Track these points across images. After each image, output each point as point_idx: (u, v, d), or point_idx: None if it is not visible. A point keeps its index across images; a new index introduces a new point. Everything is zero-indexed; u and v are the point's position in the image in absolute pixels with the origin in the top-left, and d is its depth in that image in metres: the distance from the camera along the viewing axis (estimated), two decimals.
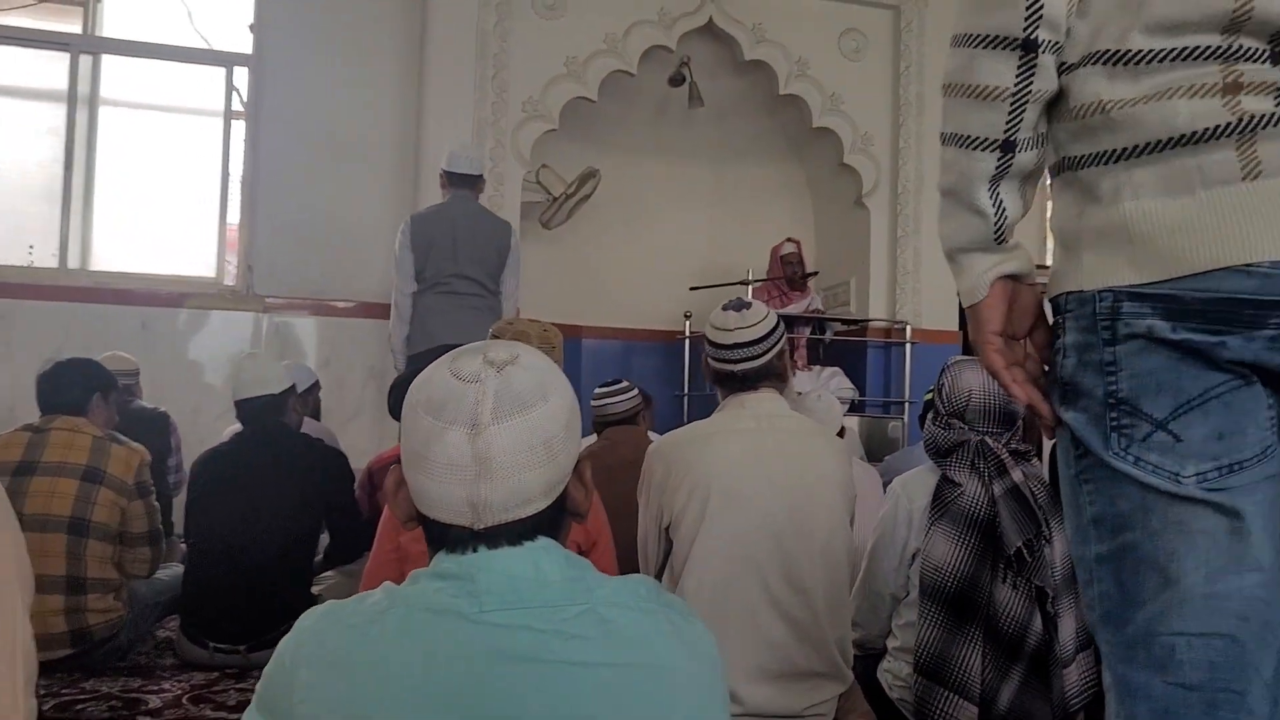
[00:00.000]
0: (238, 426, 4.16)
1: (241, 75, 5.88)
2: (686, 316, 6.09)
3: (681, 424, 3.14)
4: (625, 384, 3.80)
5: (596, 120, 6.23)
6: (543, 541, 1.06)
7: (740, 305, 2.34)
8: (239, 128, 5.87)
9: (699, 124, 6.62)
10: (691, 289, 6.08)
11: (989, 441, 2.44)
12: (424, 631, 0.99)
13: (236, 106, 5.91)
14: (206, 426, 5.33)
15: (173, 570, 3.49)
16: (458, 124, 5.61)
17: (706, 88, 6.19)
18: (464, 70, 5.63)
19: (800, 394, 4.32)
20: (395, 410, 3.64)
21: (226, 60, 5.91)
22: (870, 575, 2.55)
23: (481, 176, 4.71)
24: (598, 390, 3.69)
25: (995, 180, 1.14)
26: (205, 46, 6.03)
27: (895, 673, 2.48)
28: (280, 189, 5.76)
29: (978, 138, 1.12)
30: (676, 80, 6.23)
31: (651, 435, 3.51)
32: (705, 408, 2.63)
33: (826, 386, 5.92)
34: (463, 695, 0.96)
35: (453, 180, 4.63)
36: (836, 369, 6.26)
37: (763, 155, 6.85)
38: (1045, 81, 1.09)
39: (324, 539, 3.57)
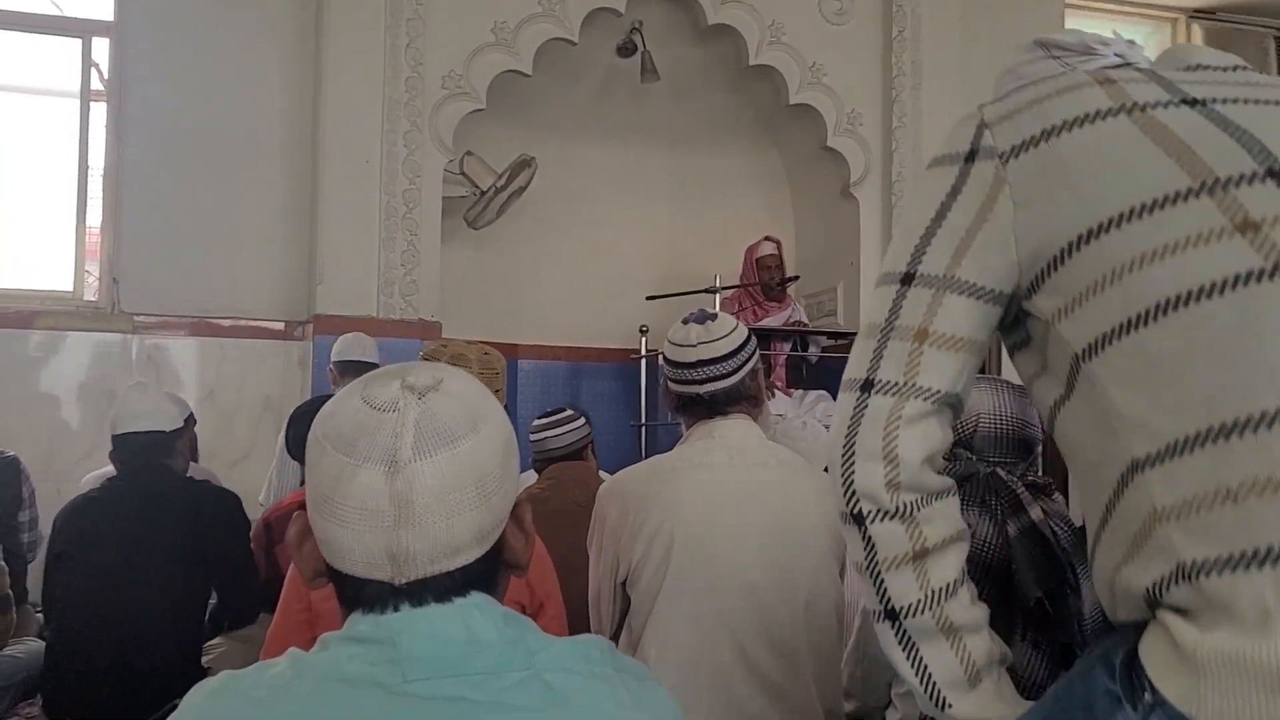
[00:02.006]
0: (104, 471, 4.16)
1: (102, 47, 5.86)
2: (643, 332, 6.12)
3: (639, 460, 3.16)
4: (569, 412, 3.82)
5: (532, 98, 6.26)
6: (475, 597, 1.08)
7: (703, 317, 2.37)
8: (99, 111, 5.84)
9: (654, 101, 6.67)
10: (649, 298, 6.10)
11: (1001, 473, 2.47)
12: (337, 707, 1.00)
13: (96, 85, 5.87)
14: (62, 473, 5.28)
15: (28, 645, 3.47)
16: (363, 105, 5.62)
17: (662, 58, 6.24)
18: (371, 40, 5.64)
19: (780, 418, 4.36)
20: (295, 448, 3.65)
21: (83, 29, 5.87)
22: (866, 636, 2.58)
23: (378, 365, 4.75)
24: (536, 421, 3.71)
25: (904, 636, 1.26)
26: (57, 13, 5.99)
27: None
28: (150, 185, 5.73)
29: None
30: (627, 50, 6.27)
31: (602, 474, 3.53)
32: (669, 440, 2.66)
33: (811, 412, 5.97)
34: None
35: (345, 371, 4.74)
36: (823, 392, 6.30)
37: (730, 139, 6.92)
38: (894, 548, 1.24)
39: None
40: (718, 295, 5.89)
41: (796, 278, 6.48)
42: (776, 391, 6.19)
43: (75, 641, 3.20)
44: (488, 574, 1.10)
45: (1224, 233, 1.09)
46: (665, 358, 2.38)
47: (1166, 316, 1.09)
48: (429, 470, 1.04)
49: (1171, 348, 1.09)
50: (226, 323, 5.76)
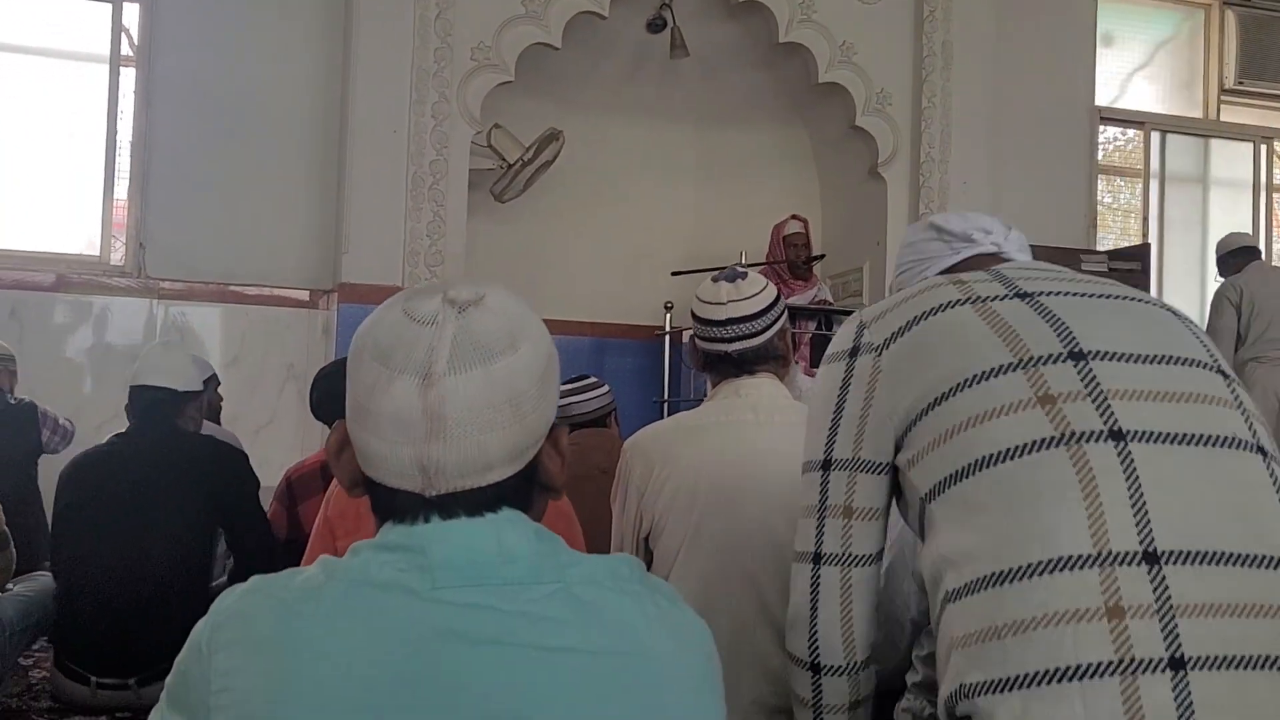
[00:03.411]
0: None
1: (132, 13, 5.88)
2: (667, 308, 6.13)
3: None
4: (593, 380, 3.86)
5: (560, 72, 6.26)
6: (507, 513, 1.08)
7: (734, 275, 2.37)
8: (129, 77, 5.87)
9: (683, 78, 6.66)
10: (674, 274, 6.12)
11: None
12: (367, 609, 1.01)
13: (126, 51, 5.90)
14: (85, 436, 5.30)
15: (37, 583, 3.49)
16: (392, 75, 5.64)
17: (692, 34, 6.23)
18: (401, 10, 5.66)
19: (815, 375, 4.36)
20: (319, 408, 3.67)
21: None
22: (886, 598, 2.58)
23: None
24: (560, 388, 3.72)
25: None
26: None
27: (916, 713, 2.51)
28: (178, 151, 5.77)
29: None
30: (656, 25, 6.27)
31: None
32: None
33: None
34: (413, 682, 0.98)
35: None
36: None
37: (759, 116, 6.91)
38: (838, 698, 1.62)
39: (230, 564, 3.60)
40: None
41: (823, 256, 6.47)
42: (799, 371, 6.19)
43: (84, 594, 3.24)
44: (521, 493, 1.11)
45: (1028, 404, 1.36)
46: (694, 315, 2.39)
47: (980, 473, 1.35)
48: (462, 385, 1.04)
49: (981, 500, 1.35)
50: (252, 290, 5.80)
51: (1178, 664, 1.23)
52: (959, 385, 1.40)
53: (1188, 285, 7.77)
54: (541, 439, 1.13)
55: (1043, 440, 1.33)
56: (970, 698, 1.29)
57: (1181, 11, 7.84)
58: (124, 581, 3.18)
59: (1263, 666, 1.24)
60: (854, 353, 1.56)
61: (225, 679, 1.00)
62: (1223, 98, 7.77)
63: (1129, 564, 1.26)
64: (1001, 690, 1.26)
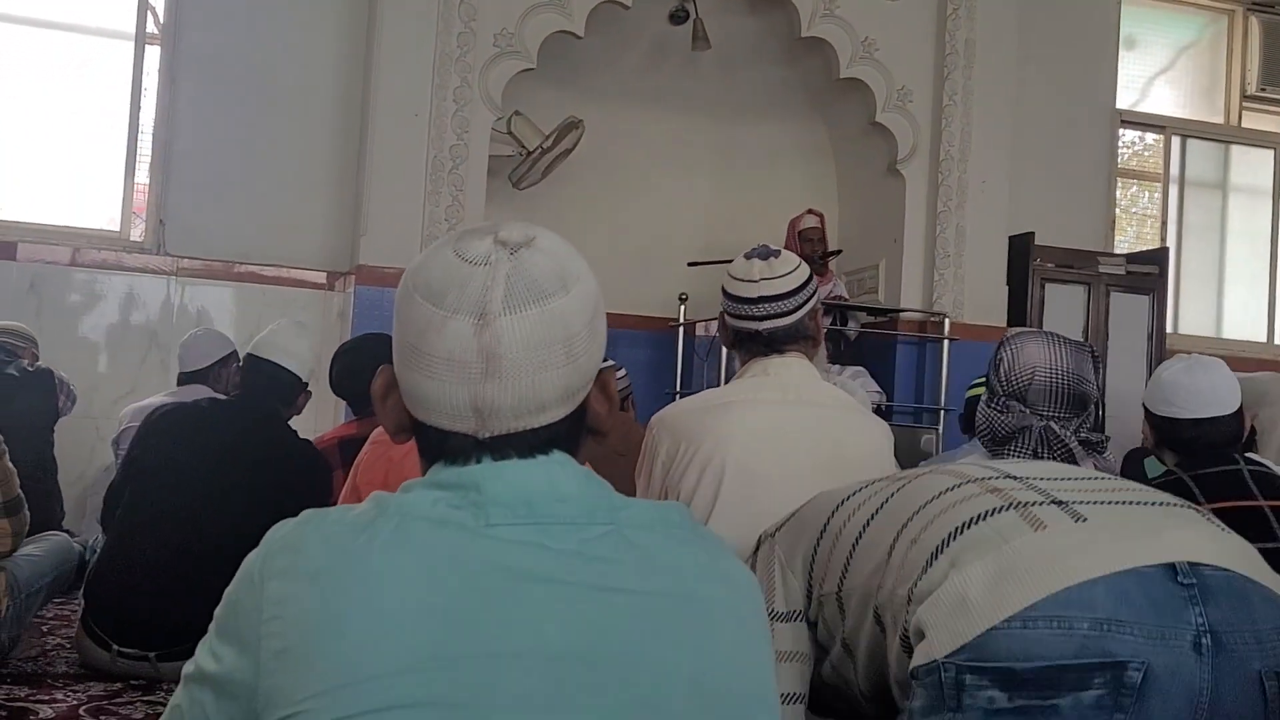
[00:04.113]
0: (146, 404, 4.17)
1: None
2: (682, 300, 6.11)
3: None
4: (610, 362, 3.83)
5: (582, 61, 6.25)
6: (557, 455, 1.08)
7: (767, 253, 2.36)
8: (153, 55, 5.87)
9: (704, 70, 6.64)
10: (690, 265, 6.10)
11: (1055, 428, 2.46)
12: (421, 543, 1.00)
13: (151, 29, 5.90)
14: (102, 410, 5.34)
15: (50, 542, 3.46)
16: (415, 59, 5.63)
17: (714, 27, 6.22)
18: None
19: (835, 370, 4.32)
20: (338, 384, 3.66)
21: None
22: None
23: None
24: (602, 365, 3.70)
25: None
26: None
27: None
28: (200, 129, 5.78)
29: None
30: (679, 17, 6.26)
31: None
32: None
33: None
34: (467, 616, 0.97)
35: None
36: (860, 369, 6.28)
37: (779, 110, 6.89)
38: None
39: None
40: None
41: (839, 251, 6.46)
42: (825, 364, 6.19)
43: (129, 559, 3.15)
44: (571, 435, 1.10)
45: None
46: (725, 291, 2.37)
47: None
48: (518, 325, 1.04)
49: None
50: (269, 271, 5.79)
51: (1059, 502, 1.51)
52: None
53: (1205, 291, 7.75)
54: (591, 380, 1.13)
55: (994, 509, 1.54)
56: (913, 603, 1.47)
57: (1205, 16, 7.81)
58: (173, 554, 3.08)
59: (1128, 504, 1.55)
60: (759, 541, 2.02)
61: (277, 607, 0.99)
62: (1244, 104, 7.74)
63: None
64: (933, 561, 1.48)
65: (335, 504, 3.31)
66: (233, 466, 3.19)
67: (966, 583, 1.41)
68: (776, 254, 2.36)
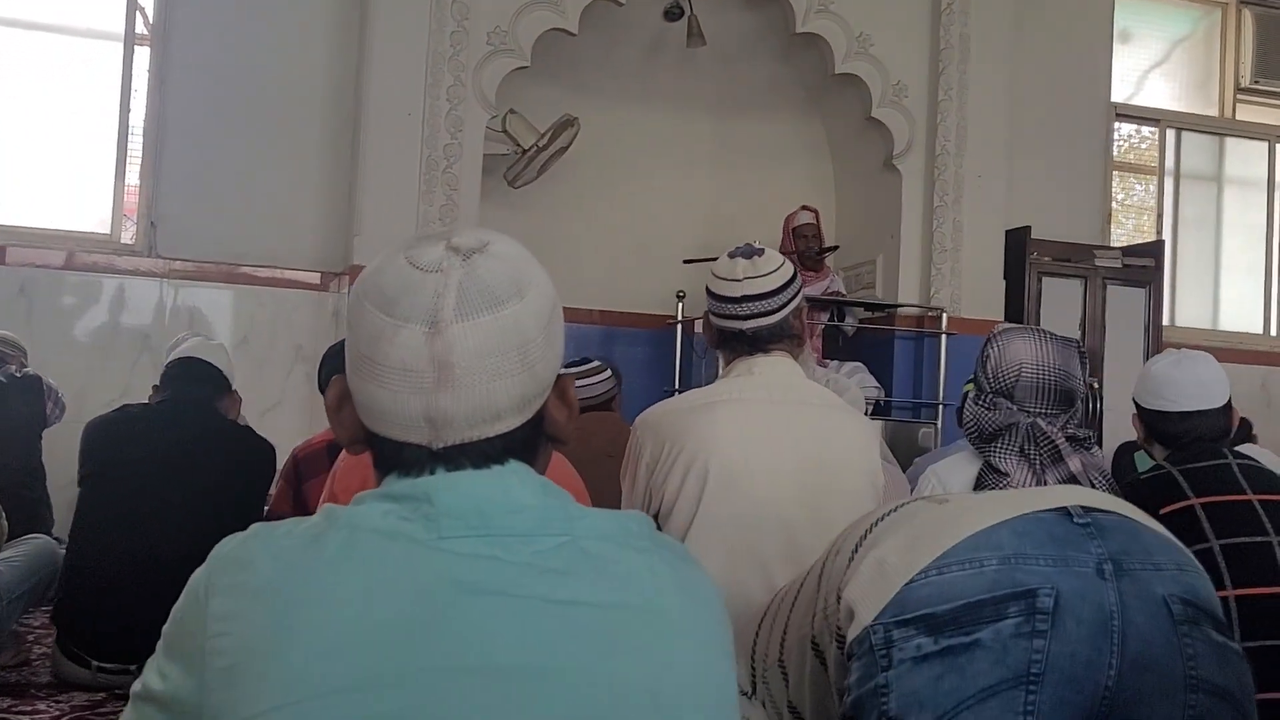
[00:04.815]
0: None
1: None
2: (679, 297, 6.09)
3: None
4: (596, 363, 3.82)
5: (576, 58, 6.22)
6: (514, 465, 1.06)
7: (750, 251, 2.34)
8: (143, 56, 5.85)
9: (699, 67, 6.61)
10: (686, 262, 6.08)
11: (1042, 424, 2.46)
12: (370, 556, 0.98)
13: (141, 30, 5.88)
14: (94, 414, 5.28)
15: (30, 545, 3.43)
16: (407, 58, 5.61)
17: (709, 23, 6.19)
18: None
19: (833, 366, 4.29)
20: (327, 386, 3.64)
21: None
22: None
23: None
24: (562, 371, 3.68)
25: None
26: None
27: None
28: (191, 130, 5.76)
29: None
30: (674, 13, 6.23)
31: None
32: None
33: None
34: (416, 631, 0.95)
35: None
36: (858, 364, 6.27)
37: (774, 106, 6.86)
38: None
39: None
40: None
41: (835, 248, 6.44)
42: (813, 358, 6.17)
43: (94, 572, 3.14)
44: (528, 444, 1.08)
45: None
46: (709, 291, 2.35)
47: None
48: (470, 333, 1.02)
49: None
50: (262, 272, 5.77)
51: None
52: None
53: (1201, 283, 7.72)
54: (548, 388, 1.10)
55: None
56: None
57: (1199, 9, 7.78)
58: (138, 564, 3.06)
59: None
60: None
61: (222, 624, 0.97)
62: (1239, 96, 7.70)
63: None
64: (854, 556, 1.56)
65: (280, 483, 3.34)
66: (180, 466, 3.20)
67: (883, 554, 1.50)
68: (761, 252, 2.34)
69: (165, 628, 1.04)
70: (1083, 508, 1.49)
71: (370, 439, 1.08)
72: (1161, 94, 7.74)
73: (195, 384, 3.37)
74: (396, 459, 1.05)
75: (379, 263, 1.08)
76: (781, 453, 2.22)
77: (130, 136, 5.83)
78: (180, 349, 3.49)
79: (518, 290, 1.05)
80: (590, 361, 3.80)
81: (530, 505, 1.04)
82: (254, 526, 1.04)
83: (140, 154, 5.81)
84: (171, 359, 3.43)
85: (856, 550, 1.57)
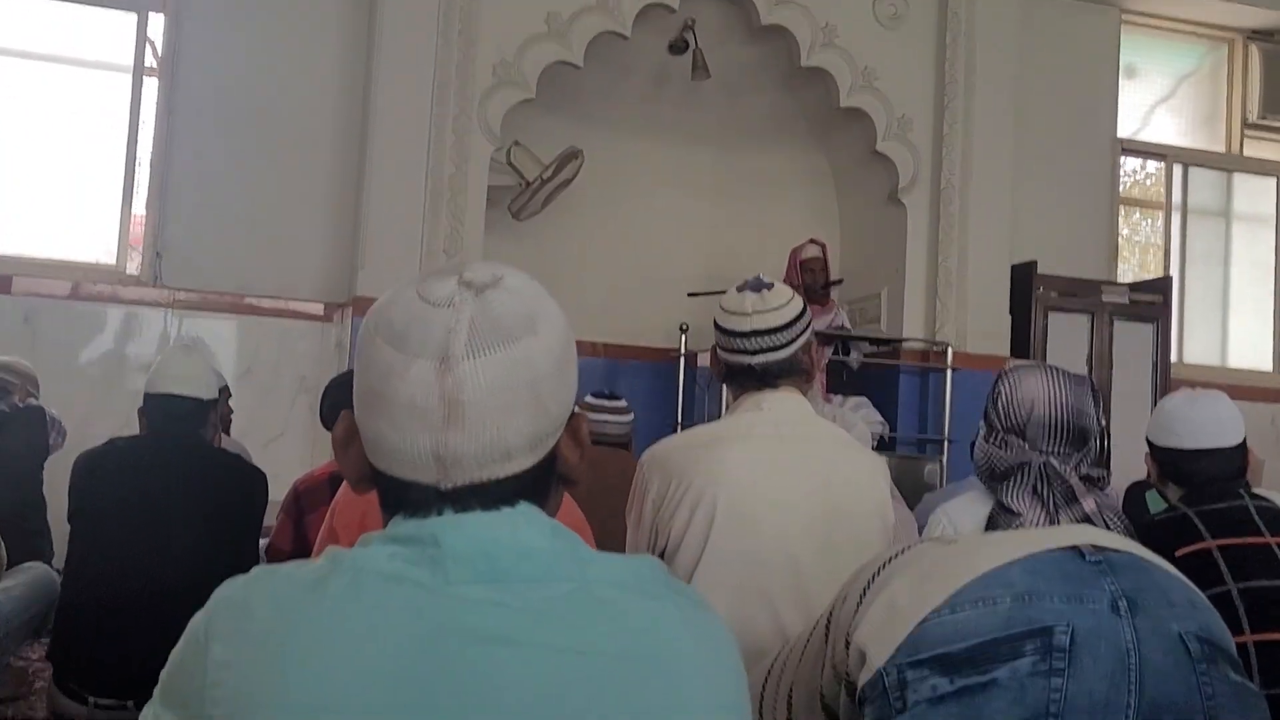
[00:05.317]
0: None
1: (157, 23, 5.88)
2: (683, 330, 6.06)
3: None
4: (624, 403, 3.77)
5: (581, 91, 6.23)
6: (524, 507, 1.03)
7: (759, 285, 2.31)
8: (152, 87, 5.86)
9: (704, 100, 6.62)
10: (690, 295, 6.06)
11: (1055, 463, 2.42)
12: (374, 601, 0.95)
13: (150, 62, 5.90)
14: (97, 443, 5.26)
15: (29, 575, 3.39)
16: (413, 89, 5.62)
17: (713, 56, 6.20)
18: (424, 24, 5.63)
19: (837, 401, 4.27)
20: (329, 418, 3.60)
21: (140, 4, 5.90)
22: None
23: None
24: (590, 400, 3.67)
25: None
26: None
27: None
28: (198, 162, 5.76)
29: None
30: (679, 46, 6.24)
31: None
32: None
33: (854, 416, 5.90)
34: (420, 680, 0.92)
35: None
36: (863, 399, 6.24)
37: (779, 139, 6.86)
38: None
39: None
40: None
41: (840, 281, 6.42)
42: (819, 394, 6.14)
43: (88, 609, 3.09)
44: (539, 484, 1.05)
45: None
46: (717, 325, 2.33)
47: None
48: (482, 369, 0.99)
49: None
50: (266, 303, 5.76)
51: None
52: None
53: (1209, 319, 7.68)
54: (561, 426, 1.08)
55: None
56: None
57: (1205, 45, 7.78)
58: (132, 599, 3.02)
59: None
60: None
61: (221, 671, 0.95)
62: (1246, 132, 7.69)
63: None
64: (862, 601, 1.52)
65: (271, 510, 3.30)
66: (169, 501, 3.14)
67: (894, 594, 1.47)
68: (770, 286, 2.31)
69: (164, 672, 1.01)
70: (1094, 546, 1.47)
71: (377, 477, 1.05)
72: (1168, 129, 7.74)
73: (173, 422, 3.30)
74: (403, 499, 1.03)
75: (390, 297, 1.06)
76: (790, 489, 2.19)
77: (137, 167, 5.83)
78: (152, 374, 3.37)
79: (531, 326, 1.03)
80: (619, 399, 3.78)
81: (540, 549, 1.01)
82: (256, 569, 1.02)
83: (146, 185, 5.81)
84: (148, 392, 3.35)
85: (865, 594, 1.53)
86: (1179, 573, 1.51)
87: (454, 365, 0.99)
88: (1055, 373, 2.50)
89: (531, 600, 0.97)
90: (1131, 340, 6.61)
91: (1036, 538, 1.51)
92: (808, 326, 2.33)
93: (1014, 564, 1.44)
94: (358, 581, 0.97)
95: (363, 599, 0.95)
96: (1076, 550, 1.46)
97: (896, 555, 1.59)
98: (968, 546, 1.54)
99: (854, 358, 6.42)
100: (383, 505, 1.06)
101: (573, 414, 1.10)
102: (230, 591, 1.01)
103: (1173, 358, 6.90)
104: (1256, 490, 2.60)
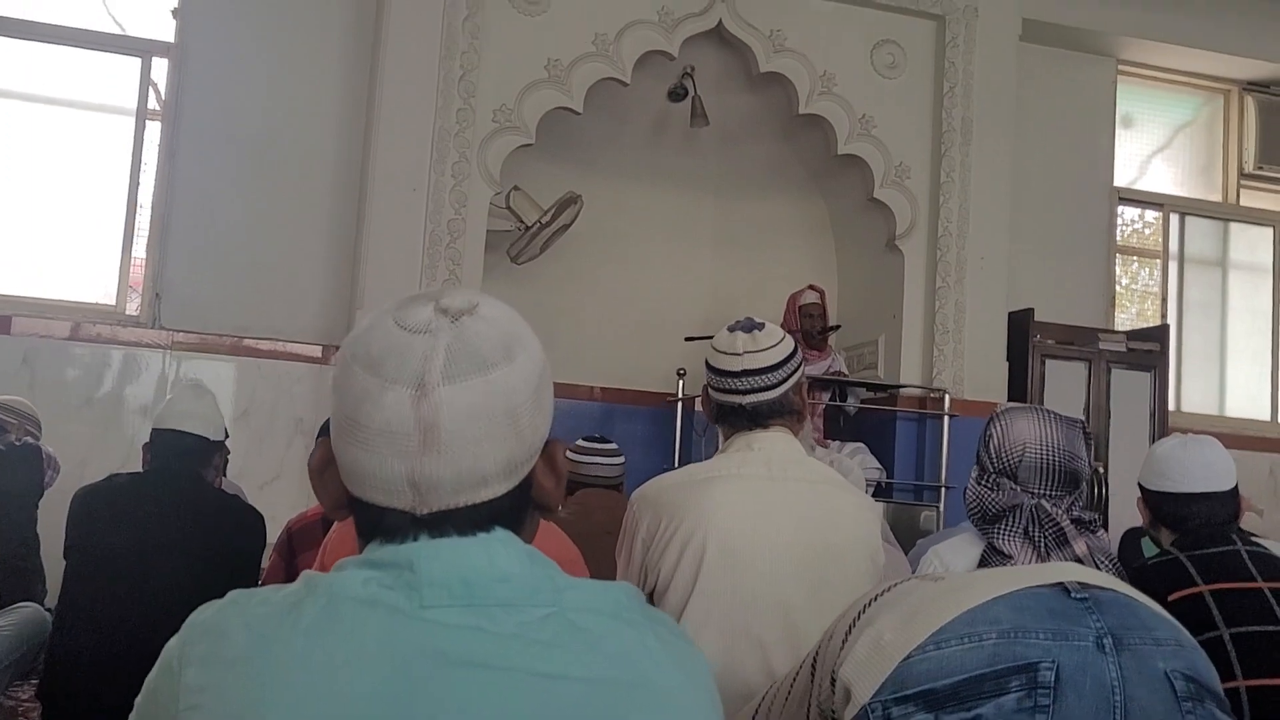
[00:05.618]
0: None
1: (160, 68, 5.93)
2: (680, 374, 6.07)
3: None
4: (614, 445, 3.81)
5: (581, 137, 6.27)
6: (499, 533, 1.03)
7: (751, 325, 2.32)
8: (154, 130, 5.90)
9: (703, 147, 6.67)
10: (687, 339, 6.07)
11: (1046, 506, 2.41)
12: (349, 626, 0.95)
13: (153, 105, 5.94)
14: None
15: (18, 614, 3.37)
16: (414, 134, 5.65)
17: (712, 104, 6.25)
18: (425, 70, 5.68)
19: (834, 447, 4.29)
20: None
21: (144, 48, 5.95)
22: None
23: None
24: (582, 443, 3.69)
25: None
26: (120, 32, 6.05)
27: None
28: (199, 204, 5.79)
29: None
30: (678, 94, 6.29)
31: None
32: None
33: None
34: (396, 705, 0.92)
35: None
36: (860, 445, 6.24)
37: (777, 186, 6.90)
38: None
39: None
40: None
41: (838, 327, 6.43)
42: (813, 444, 6.13)
43: (83, 639, 3.08)
44: (515, 511, 1.05)
45: None
46: (709, 365, 2.33)
47: None
48: (458, 395, 1.00)
49: None
50: (265, 345, 5.76)
51: None
52: None
53: (1207, 368, 7.68)
54: (537, 453, 1.08)
55: None
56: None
57: (1201, 96, 7.83)
58: (124, 639, 2.98)
59: None
60: None
61: (195, 696, 0.95)
62: (1242, 182, 7.73)
63: None
64: (848, 636, 1.49)
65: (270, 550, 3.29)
66: (166, 541, 3.12)
67: (879, 631, 1.46)
68: (761, 326, 2.32)
69: (138, 698, 1.01)
70: (1079, 583, 1.46)
71: (353, 503, 1.06)
72: (1165, 179, 7.78)
73: (178, 457, 3.31)
74: (379, 525, 1.03)
75: (367, 324, 1.07)
76: (780, 530, 2.18)
77: (139, 209, 5.86)
78: (163, 409, 3.41)
79: (507, 353, 1.03)
80: (609, 442, 3.82)
81: (516, 575, 1.01)
82: (231, 594, 1.02)
83: (147, 227, 5.83)
84: (156, 427, 3.37)
85: (850, 630, 1.52)
86: (1166, 612, 1.51)
87: (430, 391, 0.99)
88: (1047, 415, 2.50)
89: (507, 625, 0.97)
90: (1129, 388, 6.61)
91: (1022, 575, 1.51)
92: (799, 367, 2.33)
93: (999, 600, 1.43)
94: (333, 606, 0.97)
95: (337, 623, 0.95)
96: (1062, 587, 1.45)
97: (883, 592, 1.58)
98: (954, 583, 1.53)
99: (851, 404, 6.42)
100: (359, 532, 1.06)
101: (549, 442, 1.10)
102: (204, 616, 1.01)
103: (1171, 406, 6.90)
104: (1251, 535, 2.60)
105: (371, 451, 1.00)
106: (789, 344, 2.32)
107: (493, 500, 1.03)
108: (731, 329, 2.33)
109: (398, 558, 1.00)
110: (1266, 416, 7.68)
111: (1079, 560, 2.36)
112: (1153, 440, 6.39)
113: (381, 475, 1.00)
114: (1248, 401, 7.70)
